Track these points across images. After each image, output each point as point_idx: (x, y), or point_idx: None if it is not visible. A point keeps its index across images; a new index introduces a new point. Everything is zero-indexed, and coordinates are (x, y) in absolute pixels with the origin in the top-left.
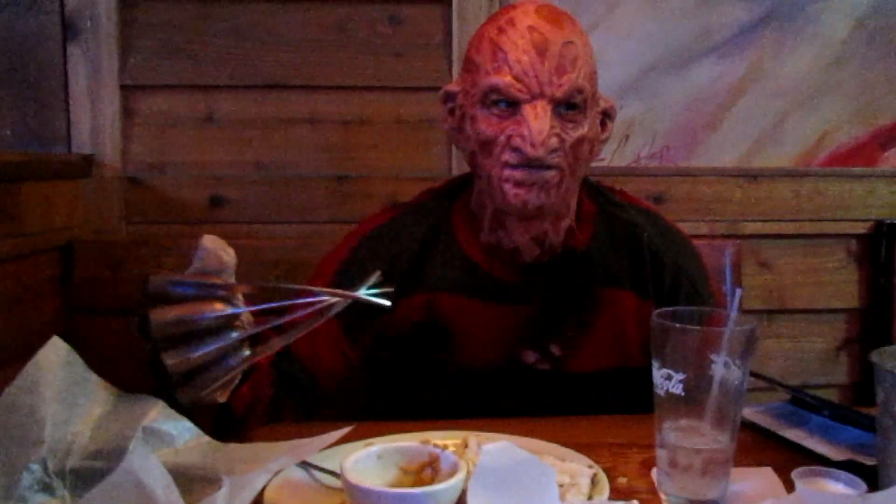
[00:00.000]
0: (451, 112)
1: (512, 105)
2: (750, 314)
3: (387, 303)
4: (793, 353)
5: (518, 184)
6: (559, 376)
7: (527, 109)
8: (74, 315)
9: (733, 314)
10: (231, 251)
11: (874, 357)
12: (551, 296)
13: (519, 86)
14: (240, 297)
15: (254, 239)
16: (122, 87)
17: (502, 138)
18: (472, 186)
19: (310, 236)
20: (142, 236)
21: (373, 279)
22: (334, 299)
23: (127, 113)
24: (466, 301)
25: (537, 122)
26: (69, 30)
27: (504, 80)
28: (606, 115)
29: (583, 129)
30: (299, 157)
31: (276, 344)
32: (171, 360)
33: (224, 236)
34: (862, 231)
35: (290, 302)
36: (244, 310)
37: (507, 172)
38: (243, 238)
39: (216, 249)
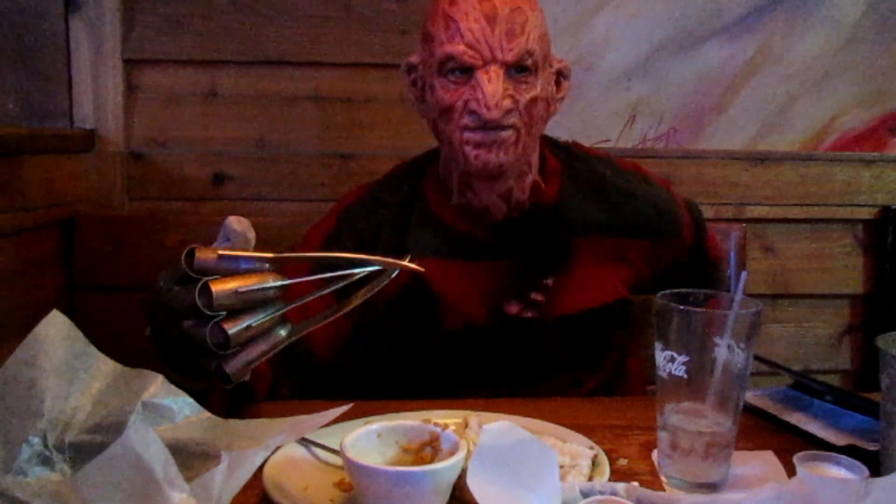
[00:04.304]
0: (414, 83)
1: (466, 72)
2: (754, 298)
3: (422, 269)
4: (796, 337)
5: (477, 145)
6: (545, 322)
7: (480, 75)
8: (76, 290)
9: (738, 297)
10: (253, 232)
11: (880, 342)
12: (526, 249)
13: (472, 52)
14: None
15: (256, 216)
16: (125, 62)
17: (459, 104)
18: (440, 155)
19: (312, 214)
20: (144, 212)
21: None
22: (371, 268)
23: (130, 88)
24: (447, 263)
25: (490, 85)
26: (71, 3)
27: (457, 48)
28: (561, 75)
29: (535, 90)
30: (303, 135)
31: (321, 319)
32: (232, 330)
33: (226, 213)
34: (868, 217)
35: (338, 273)
36: (296, 280)
37: (466, 135)
38: (245, 216)
39: (244, 231)
